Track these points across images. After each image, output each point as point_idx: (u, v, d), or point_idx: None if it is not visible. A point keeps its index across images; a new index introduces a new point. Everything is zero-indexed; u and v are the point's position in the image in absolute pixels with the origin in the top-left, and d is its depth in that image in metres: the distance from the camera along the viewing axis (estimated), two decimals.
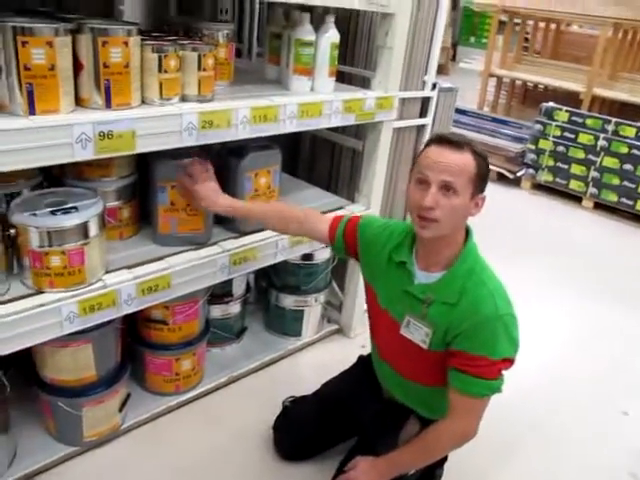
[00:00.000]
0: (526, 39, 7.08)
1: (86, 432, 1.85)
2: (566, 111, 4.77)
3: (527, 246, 3.92)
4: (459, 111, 5.44)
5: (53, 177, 1.79)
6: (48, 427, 1.87)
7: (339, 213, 2.26)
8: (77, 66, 1.46)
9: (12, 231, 1.50)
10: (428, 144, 1.47)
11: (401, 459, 1.57)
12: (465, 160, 1.40)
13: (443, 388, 1.53)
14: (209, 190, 1.75)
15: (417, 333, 1.54)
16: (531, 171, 5.05)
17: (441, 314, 1.49)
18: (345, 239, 1.74)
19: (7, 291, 1.54)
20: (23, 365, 1.78)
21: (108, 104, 1.49)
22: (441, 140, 1.44)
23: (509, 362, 1.47)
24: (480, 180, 1.43)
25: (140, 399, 2.06)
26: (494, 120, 5.55)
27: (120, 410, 1.92)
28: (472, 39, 11.96)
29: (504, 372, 1.48)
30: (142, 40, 1.53)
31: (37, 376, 1.79)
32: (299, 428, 1.92)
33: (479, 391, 1.46)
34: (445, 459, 1.80)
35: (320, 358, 2.49)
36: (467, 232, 1.54)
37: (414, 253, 1.58)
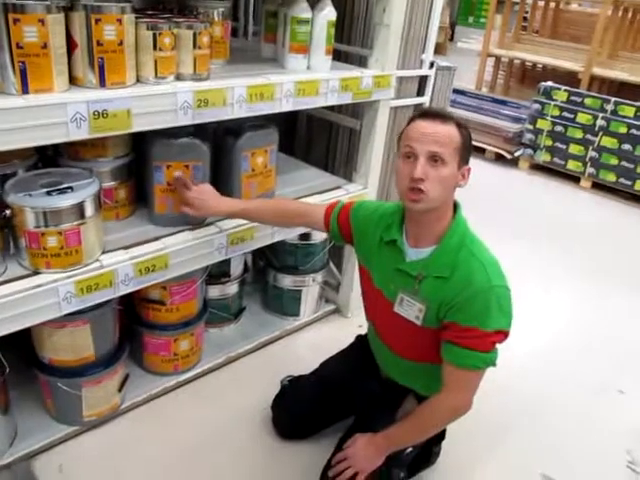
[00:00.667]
0: (525, 18, 7.01)
1: (85, 412, 1.86)
2: (565, 91, 4.75)
3: (524, 226, 3.92)
4: (457, 91, 5.41)
5: (48, 157, 1.78)
6: (48, 407, 1.88)
7: (336, 193, 2.26)
8: (70, 44, 1.44)
9: (7, 212, 1.50)
10: (412, 119, 1.49)
11: (398, 434, 1.58)
12: (450, 131, 1.43)
13: (438, 365, 1.53)
14: (207, 196, 1.80)
15: (410, 310, 1.55)
16: (529, 151, 5.04)
17: (433, 289, 1.50)
18: (339, 225, 1.76)
19: (4, 272, 1.54)
20: (22, 346, 1.79)
21: (102, 83, 1.48)
22: (425, 114, 1.47)
23: (502, 335, 1.47)
24: (465, 150, 1.46)
25: (139, 379, 2.07)
26: (492, 100, 5.52)
27: (119, 390, 1.93)
28: (470, 19, 11.86)
29: (498, 345, 1.48)
30: (136, 18, 1.51)
31: (36, 357, 1.80)
32: (297, 407, 1.93)
33: (472, 363, 1.46)
34: (442, 437, 1.81)
35: (318, 338, 2.50)
36: (455, 207, 1.55)
37: (404, 231, 1.58)
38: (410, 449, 1.66)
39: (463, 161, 1.46)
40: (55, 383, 1.78)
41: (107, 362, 1.85)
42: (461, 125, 1.45)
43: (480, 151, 5.17)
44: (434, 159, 1.41)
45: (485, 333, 1.44)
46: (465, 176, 1.49)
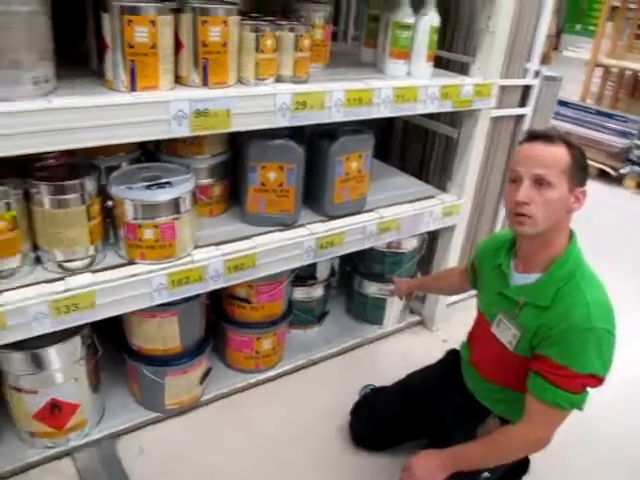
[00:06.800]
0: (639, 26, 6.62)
1: (168, 400, 1.91)
2: None
3: (623, 252, 3.67)
4: (560, 102, 5.17)
5: (149, 152, 1.85)
6: (133, 391, 1.95)
7: (429, 202, 2.21)
8: (177, 45, 1.49)
9: (110, 203, 1.57)
10: (521, 142, 1.45)
11: (465, 454, 1.51)
12: (557, 152, 1.36)
13: (520, 393, 1.47)
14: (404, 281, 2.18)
15: (506, 333, 1.52)
16: (637, 169, 4.73)
17: (532, 317, 1.45)
18: (472, 265, 1.81)
19: (104, 259, 1.62)
20: (113, 331, 1.87)
21: (205, 82, 1.52)
22: (532, 135, 1.43)
23: (595, 379, 1.37)
24: (576, 172, 1.37)
25: (220, 374, 2.11)
26: (597, 113, 5.23)
27: (201, 382, 1.97)
28: (578, 27, 11.34)
29: (589, 389, 1.39)
30: (240, 20, 1.54)
31: (126, 343, 1.87)
32: (378, 415, 1.90)
33: (555, 400, 1.38)
34: (525, 470, 1.73)
35: (400, 348, 2.46)
36: (571, 235, 1.47)
37: (513, 255, 1.56)
38: (487, 474, 1.58)
39: (575, 183, 1.38)
40: (141, 370, 1.84)
41: (192, 354, 1.90)
42: (572, 145, 1.38)
43: None
44: (539, 182, 1.36)
45: (577, 374, 1.36)
46: (580, 199, 1.40)
